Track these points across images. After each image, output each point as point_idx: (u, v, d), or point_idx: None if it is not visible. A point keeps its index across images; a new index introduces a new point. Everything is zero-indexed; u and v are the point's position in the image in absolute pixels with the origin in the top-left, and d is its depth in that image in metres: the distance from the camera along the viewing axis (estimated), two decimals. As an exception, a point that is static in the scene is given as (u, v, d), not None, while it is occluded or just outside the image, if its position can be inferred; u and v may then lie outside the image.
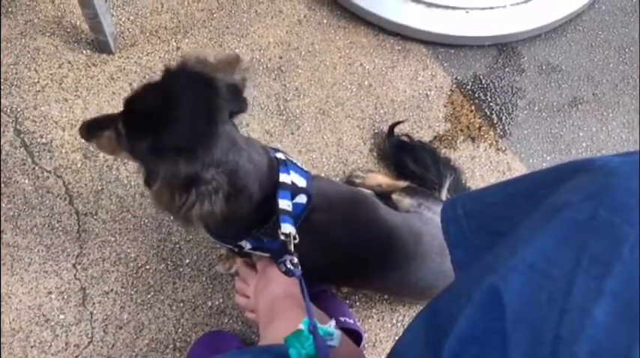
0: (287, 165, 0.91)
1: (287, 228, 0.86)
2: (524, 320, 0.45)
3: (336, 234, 0.97)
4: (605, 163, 0.49)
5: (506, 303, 0.46)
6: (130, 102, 0.82)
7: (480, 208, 0.67)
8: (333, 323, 0.77)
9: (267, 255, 0.98)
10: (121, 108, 0.82)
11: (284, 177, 0.89)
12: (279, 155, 0.93)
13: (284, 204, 0.87)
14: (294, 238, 0.86)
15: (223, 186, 0.79)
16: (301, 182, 0.91)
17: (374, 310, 1.22)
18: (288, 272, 0.85)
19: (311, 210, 0.92)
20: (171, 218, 1.22)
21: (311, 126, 1.37)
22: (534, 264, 0.46)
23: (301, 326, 0.72)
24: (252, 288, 1.07)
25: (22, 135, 1.29)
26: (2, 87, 1.33)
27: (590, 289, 0.41)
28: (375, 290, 1.20)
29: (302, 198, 0.91)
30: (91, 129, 0.87)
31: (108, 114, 0.88)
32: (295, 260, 0.85)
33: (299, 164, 0.97)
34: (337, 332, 0.79)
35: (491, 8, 1.50)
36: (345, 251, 0.98)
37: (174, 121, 0.78)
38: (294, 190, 0.89)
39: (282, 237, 0.85)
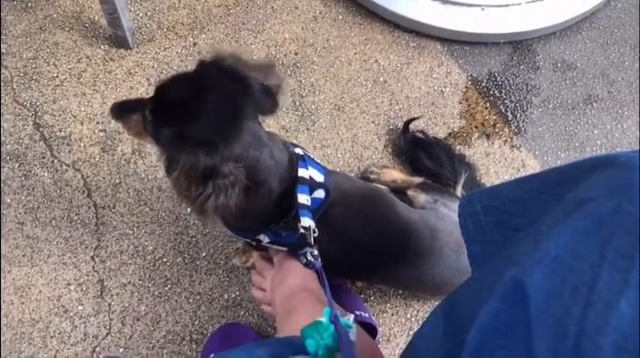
0: (305, 160, 0.92)
1: (306, 221, 0.87)
2: (548, 312, 0.46)
3: (353, 229, 0.98)
4: (629, 159, 0.49)
5: (530, 296, 0.47)
6: (160, 89, 0.84)
7: (497, 204, 0.67)
8: (351, 316, 0.78)
9: (284, 248, 0.99)
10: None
11: (302, 172, 0.90)
12: (298, 150, 0.94)
13: (303, 198, 0.88)
14: (314, 231, 0.87)
15: (241, 181, 0.80)
16: (319, 177, 0.92)
17: (388, 305, 1.23)
18: (308, 264, 0.87)
19: (329, 204, 0.93)
20: (188, 208, 1.23)
21: (326, 122, 1.38)
22: (558, 257, 0.47)
23: (322, 318, 0.73)
24: (268, 282, 1.08)
25: (41, 129, 1.31)
26: (22, 81, 1.35)
27: (615, 282, 0.41)
28: (391, 285, 1.20)
29: (320, 193, 0.92)
30: (122, 110, 0.88)
31: (139, 98, 0.90)
32: (315, 252, 0.86)
33: (316, 159, 0.98)
34: (355, 327, 0.80)
35: (507, 6, 1.50)
36: (362, 246, 0.99)
37: (200, 114, 0.79)
38: (312, 185, 0.90)
39: (302, 231, 0.86)
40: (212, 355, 1.10)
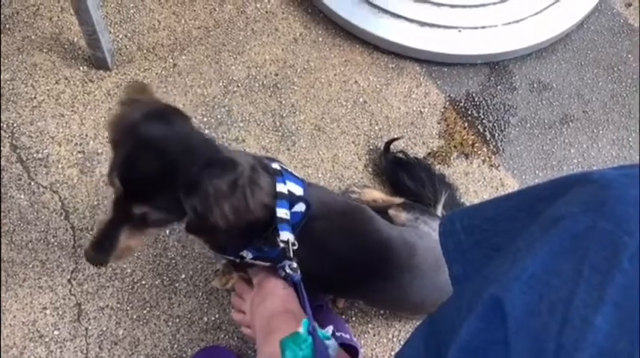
0: (283, 174, 0.92)
1: (285, 235, 0.87)
2: (526, 329, 0.46)
3: (334, 243, 0.98)
4: (601, 176, 0.50)
5: (508, 313, 0.47)
6: (125, 178, 0.78)
7: (477, 223, 0.68)
8: (330, 328, 0.78)
9: (267, 264, 0.98)
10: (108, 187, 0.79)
11: (280, 187, 0.90)
12: (275, 165, 0.94)
13: (281, 212, 0.88)
14: (293, 244, 0.87)
15: (250, 176, 0.81)
16: (298, 190, 0.93)
17: (370, 325, 1.22)
18: (287, 278, 0.86)
19: (310, 218, 0.93)
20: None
21: (307, 142, 1.38)
22: (535, 274, 0.47)
23: (300, 330, 0.73)
24: (248, 303, 1.07)
25: (18, 151, 1.29)
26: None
27: (591, 298, 0.42)
28: (370, 303, 1.20)
29: (301, 206, 0.92)
30: (102, 245, 0.81)
31: (103, 224, 0.81)
32: (294, 265, 0.86)
33: (294, 173, 0.98)
34: (334, 343, 0.80)
35: (483, 27, 1.53)
36: (341, 259, 0.99)
37: (174, 156, 0.77)
38: (291, 199, 0.90)
39: (281, 244, 0.86)
40: None
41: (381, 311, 1.23)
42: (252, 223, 0.88)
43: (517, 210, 0.63)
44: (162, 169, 0.75)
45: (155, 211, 0.77)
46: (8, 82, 1.36)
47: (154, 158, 0.75)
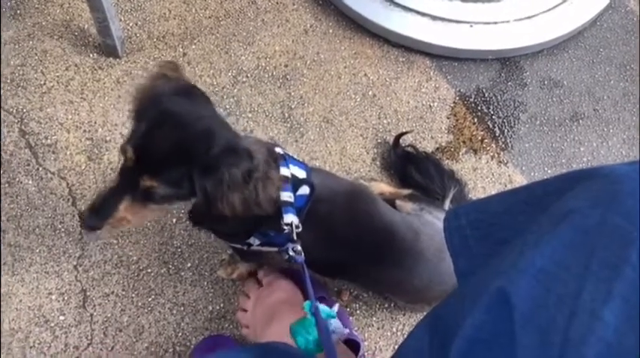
0: (285, 159, 0.92)
1: (289, 217, 0.88)
2: (533, 322, 0.46)
3: (338, 225, 0.99)
4: (612, 171, 0.50)
5: (515, 305, 0.47)
6: (142, 148, 0.78)
7: (483, 217, 0.67)
8: (336, 306, 0.78)
9: (275, 249, 0.98)
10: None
11: (284, 171, 0.90)
12: (278, 149, 0.94)
13: (285, 195, 0.89)
14: (297, 227, 0.87)
15: (264, 167, 0.82)
16: (301, 173, 0.93)
17: (374, 318, 1.22)
18: (290, 260, 0.87)
19: (315, 200, 0.93)
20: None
21: (315, 135, 1.38)
22: (543, 268, 0.47)
23: (307, 315, 0.73)
24: (252, 301, 1.07)
25: (26, 136, 1.30)
26: (9, 88, 1.34)
27: (599, 292, 0.41)
28: (373, 287, 1.19)
29: (305, 189, 0.92)
30: (100, 211, 0.80)
31: (105, 190, 0.81)
32: (298, 247, 0.87)
33: (295, 157, 0.98)
34: (337, 322, 0.80)
35: (495, 23, 1.52)
36: (346, 242, 1.00)
37: (195, 134, 0.78)
38: (295, 182, 0.91)
39: (285, 228, 0.86)
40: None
41: (386, 305, 1.23)
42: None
43: (525, 204, 0.62)
44: (180, 145, 0.76)
45: (163, 186, 0.77)
46: (19, 68, 1.36)
47: (174, 132, 0.76)
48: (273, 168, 0.86)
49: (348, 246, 1.00)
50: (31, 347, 1.13)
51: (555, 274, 0.46)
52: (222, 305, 1.19)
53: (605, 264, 0.43)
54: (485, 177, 1.39)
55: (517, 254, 0.51)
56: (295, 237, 0.87)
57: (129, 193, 0.79)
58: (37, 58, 1.38)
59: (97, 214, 0.80)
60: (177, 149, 0.76)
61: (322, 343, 0.71)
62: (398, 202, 1.17)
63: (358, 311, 1.23)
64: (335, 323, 0.80)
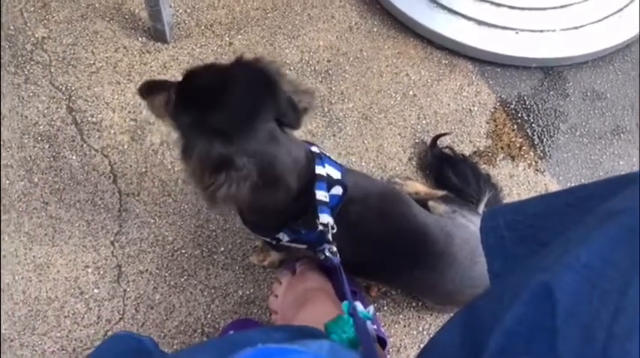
0: (322, 158, 0.94)
1: (325, 218, 0.88)
2: (576, 317, 0.46)
3: (370, 226, 0.99)
4: None
5: (558, 300, 0.47)
6: (189, 75, 0.86)
7: (521, 218, 0.67)
8: (371, 308, 0.79)
9: (304, 246, 1.00)
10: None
11: (320, 170, 0.91)
12: (314, 148, 0.95)
13: (321, 195, 0.89)
14: (332, 228, 0.88)
15: (252, 176, 0.81)
16: (336, 174, 0.94)
17: (401, 316, 1.22)
18: (326, 261, 0.87)
19: (347, 201, 0.94)
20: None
21: (353, 130, 1.39)
22: (589, 263, 0.47)
23: (343, 314, 0.74)
24: (284, 285, 1.09)
25: (73, 113, 1.33)
26: (60, 66, 1.38)
27: None
28: (403, 288, 1.20)
29: (338, 190, 0.93)
30: (149, 89, 0.91)
31: (167, 80, 0.91)
32: (334, 248, 0.87)
33: (332, 157, 0.99)
34: (370, 325, 0.81)
35: (541, 31, 1.51)
36: (378, 243, 1.00)
37: (223, 104, 0.81)
38: (329, 182, 0.92)
39: (321, 227, 0.87)
40: (231, 331, 1.11)
41: (413, 303, 1.23)
42: (284, 207, 0.90)
43: (566, 206, 0.62)
44: (231, 103, 0.82)
45: (183, 115, 0.84)
46: (70, 47, 1.40)
47: (236, 89, 0.82)
48: (270, 181, 0.86)
49: (379, 247, 1.01)
50: (65, 317, 1.16)
51: (601, 270, 0.46)
52: (252, 290, 1.21)
53: (653, 262, 0.43)
54: (521, 184, 1.38)
55: (561, 251, 0.51)
56: (331, 238, 0.88)
57: (166, 95, 0.87)
58: (88, 38, 1.42)
59: (147, 88, 0.91)
60: (228, 106, 0.81)
61: (363, 345, 0.72)
62: (430, 203, 1.17)
63: (385, 308, 1.23)
64: (369, 325, 0.80)
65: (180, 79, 0.86)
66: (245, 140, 0.81)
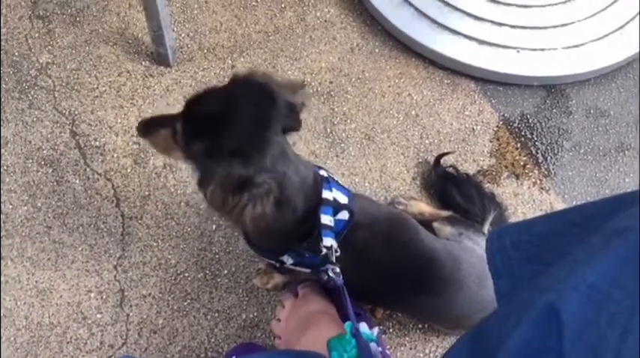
0: (329, 182, 0.93)
1: (328, 241, 0.88)
2: (583, 338, 0.45)
3: (376, 252, 0.98)
4: None
5: (564, 322, 0.46)
6: (191, 103, 0.86)
7: (527, 238, 0.66)
8: (376, 330, 0.78)
9: (308, 270, 0.99)
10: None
11: (326, 194, 0.91)
12: (322, 172, 0.95)
13: (326, 219, 0.89)
14: (336, 251, 0.87)
15: (274, 190, 0.81)
16: (343, 199, 0.93)
17: (407, 338, 1.21)
18: (329, 281, 0.87)
19: (353, 227, 0.93)
20: (224, 220, 1.24)
21: (356, 151, 1.39)
22: (595, 284, 0.46)
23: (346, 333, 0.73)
24: (287, 309, 1.08)
25: (77, 137, 1.34)
26: (64, 91, 1.39)
27: None
28: (410, 313, 1.19)
29: (344, 215, 0.92)
30: (148, 127, 0.90)
31: (165, 114, 0.91)
32: (337, 269, 0.86)
33: (340, 182, 0.98)
34: (375, 346, 0.80)
35: (543, 50, 1.51)
36: (384, 269, 0.99)
37: (232, 125, 0.81)
38: (336, 206, 0.91)
39: (324, 250, 0.87)
40: (234, 357, 1.09)
41: (419, 325, 1.22)
42: (289, 228, 0.90)
43: (572, 225, 0.61)
44: (239, 122, 0.81)
45: (195, 143, 0.83)
46: (74, 72, 1.41)
47: (240, 108, 0.82)
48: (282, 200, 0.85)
49: (384, 273, 1.00)
50: (68, 343, 1.15)
51: (608, 291, 0.46)
52: (255, 313, 1.20)
53: (661, 283, 0.42)
54: (526, 202, 1.38)
55: (567, 270, 0.50)
56: (334, 260, 0.87)
57: (171, 128, 0.86)
58: (91, 63, 1.43)
59: (146, 126, 0.91)
60: (232, 127, 0.81)
61: None
62: (435, 225, 1.16)
63: (391, 330, 1.22)
64: (374, 347, 0.79)
65: (181, 106, 0.86)
66: (261, 156, 0.80)
